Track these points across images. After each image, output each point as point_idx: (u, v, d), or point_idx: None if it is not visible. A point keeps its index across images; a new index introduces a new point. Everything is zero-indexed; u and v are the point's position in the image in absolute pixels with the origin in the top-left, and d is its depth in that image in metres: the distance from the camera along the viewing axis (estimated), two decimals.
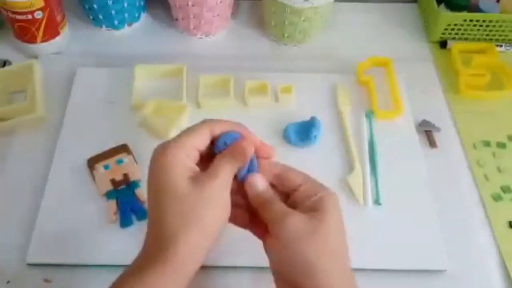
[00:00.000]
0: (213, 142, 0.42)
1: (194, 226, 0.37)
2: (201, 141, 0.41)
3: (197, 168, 0.41)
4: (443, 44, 0.77)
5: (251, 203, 0.42)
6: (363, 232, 0.55)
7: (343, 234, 0.41)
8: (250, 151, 0.42)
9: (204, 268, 0.51)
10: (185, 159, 0.40)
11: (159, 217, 0.38)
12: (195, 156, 0.41)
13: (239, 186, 0.43)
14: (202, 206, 0.38)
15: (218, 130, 0.42)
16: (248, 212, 0.43)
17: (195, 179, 0.39)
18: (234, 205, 0.41)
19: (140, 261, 0.38)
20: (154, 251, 0.38)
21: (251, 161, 0.42)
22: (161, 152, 0.40)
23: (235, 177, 0.42)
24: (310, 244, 0.38)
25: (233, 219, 0.42)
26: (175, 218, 0.37)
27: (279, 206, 0.40)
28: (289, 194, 0.43)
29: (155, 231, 0.39)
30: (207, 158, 0.42)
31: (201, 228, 0.38)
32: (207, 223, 0.38)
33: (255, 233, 0.44)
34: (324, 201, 0.40)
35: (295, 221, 0.38)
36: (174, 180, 0.38)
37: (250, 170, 0.42)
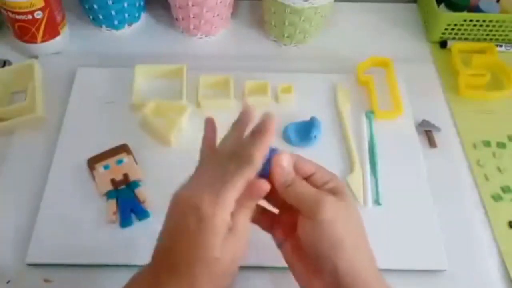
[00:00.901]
0: None
1: (218, 282, 0.38)
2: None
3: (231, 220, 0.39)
4: (443, 44, 0.77)
5: (275, 183, 0.41)
6: None
7: (361, 218, 0.43)
8: (265, 190, 0.40)
9: None
10: (229, 215, 0.38)
11: (185, 270, 0.37)
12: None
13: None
14: (231, 267, 0.39)
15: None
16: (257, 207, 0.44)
17: (226, 239, 0.38)
18: None
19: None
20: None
21: (269, 154, 0.42)
22: (206, 204, 0.37)
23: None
24: (344, 225, 0.40)
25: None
26: (204, 278, 0.37)
27: (309, 187, 0.41)
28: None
29: (176, 277, 0.37)
30: None
31: (224, 282, 0.39)
32: (230, 276, 0.39)
33: (262, 226, 0.45)
34: (340, 186, 0.42)
35: (331, 203, 0.40)
36: (214, 244, 0.37)
37: (266, 164, 0.42)
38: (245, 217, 0.40)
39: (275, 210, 0.46)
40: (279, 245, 0.45)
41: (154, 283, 0.38)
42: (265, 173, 0.41)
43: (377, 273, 0.41)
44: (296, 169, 0.43)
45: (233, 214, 0.38)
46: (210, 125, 0.45)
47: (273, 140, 0.41)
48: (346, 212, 0.41)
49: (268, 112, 0.42)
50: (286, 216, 0.45)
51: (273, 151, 0.42)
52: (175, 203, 0.39)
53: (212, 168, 0.40)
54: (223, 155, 0.41)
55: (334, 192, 0.41)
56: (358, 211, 0.43)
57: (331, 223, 0.39)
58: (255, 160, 0.39)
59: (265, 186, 0.39)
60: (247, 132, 0.43)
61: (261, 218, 0.45)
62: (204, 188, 0.38)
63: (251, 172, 0.39)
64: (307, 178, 0.43)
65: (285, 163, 0.41)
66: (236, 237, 0.38)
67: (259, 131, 0.41)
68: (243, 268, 0.51)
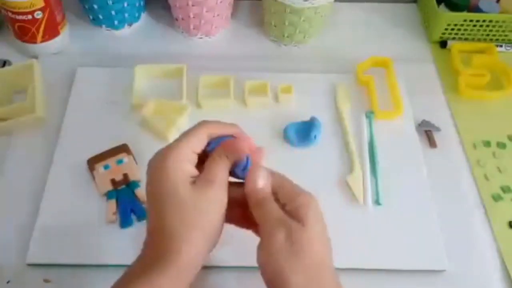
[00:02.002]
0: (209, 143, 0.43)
1: (195, 230, 0.38)
2: (199, 144, 0.42)
3: (196, 172, 0.41)
4: (443, 44, 0.77)
5: (247, 198, 0.42)
6: (363, 232, 0.55)
7: (325, 243, 0.40)
8: (243, 148, 0.42)
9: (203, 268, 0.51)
10: (185, 163, 0.40)
11: (160, 223, 0.39)
12: (194, 159, 0.42)
13: (231, 183, 0.43)
14: (202, 210, 0.39)
15: (214, 132, 0.43)
16: (241, 209, 0.43)
17: (194, 184, 0.39)
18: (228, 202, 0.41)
19: (142, 264, 0.39)
20: (157, 255, 0.38)
21: (247, 160, 0.42)
22: (161, 158, 0.40)
23: (230, 173, 0.42)
24: (288, 260, 0.38)
25: (228, 218, 0.42)
26: (177, 223, 0.38)
27: (273, 209, 0.40)
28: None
29: (156, 236, 0.39)
30: (203, 159, 0.42)
31: (203, 232, 0.39)
32: (208, 227, 0.39)
33: (248, 228, 0.45)
34: (303, 210, 0.39)
35: (279, 239, 0.38)
36: (175, 186, 0.39)
37: (245, 169, 0.43)
38: (221, 168, 0.41)
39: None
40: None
41: (143, 266, 0.38)
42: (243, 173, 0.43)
43: None
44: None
45: (208, 165, 0.41)
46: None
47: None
48: (297, 247, 0.38)
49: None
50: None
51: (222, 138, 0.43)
52: (147, 165, 0.41)
53: None
54: None
55: (295, 216, 0.39)
56: (324, 237, 0.40)
57: (276, 255, 0.38)
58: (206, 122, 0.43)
59: (242, 145, 0.42)
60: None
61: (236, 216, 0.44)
62: (166, 145, 0.41)
63: (211, 124, 0.43)
64: (275, 193, 0.42)
65: (260, 182, 0.41)
66: (208, 184, 0.39)
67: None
68: (242, 268, 0.52)
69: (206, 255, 0.40)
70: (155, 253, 0.38)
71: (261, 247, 0.40)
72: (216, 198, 0.40)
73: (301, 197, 0.40)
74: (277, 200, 0.41)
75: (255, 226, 0.42)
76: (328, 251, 0.40)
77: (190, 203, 0.38)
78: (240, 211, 0.43)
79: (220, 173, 0.41)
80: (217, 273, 0.52)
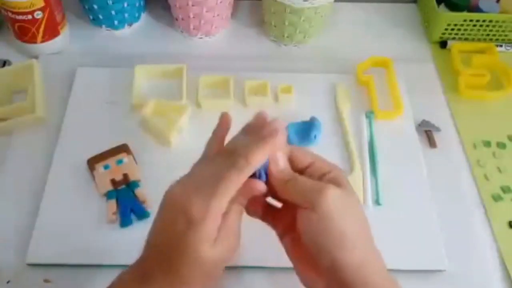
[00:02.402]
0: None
1: (208, 279, 0.38)
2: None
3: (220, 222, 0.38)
4: (443, 44, 0.77)
5: (273, 181, 0.41)
6: None
7: (362, 206, 0.42)
8: (260, 191, 0.40)
9: None
10: (220, 219, 0.38)
11: (174, 268, 0.37)
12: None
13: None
14: (217, 267, 0.38)
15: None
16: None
17: (216, 239, 0.37)
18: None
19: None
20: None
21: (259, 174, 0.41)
22: (196, 208, 0.36)
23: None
24: (348, 218, 0.38)
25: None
26: (191, 275, 0.37)
27: (308, 180, 0.40)
28: (299, 173, 0.42)
29: (161, 269, 0.38)
30: None
31: (213, 278, 0.39)
32: (219, 272, 0.39)
33: (267, 221, 0.44)
34: (341, 177, 0.41)
35: (334, 193, 0.38)
36: (202, 247, 0.36)
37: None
38: (236, 215, 0.39)
39: (278, 204, 0.44)
40: (280, 238, 0.44)
41: (142, 279, 0.38)
42: (265, 169, 0.40)
43: (380, 268, 0.40)
44: (291, 161, 0.42)
45: (225, 214, 0.38)
46: (224, 120, 0.44)
47: (276, 146, 0.39)
48: (348, 202, 0.39)
49: (276, 119, 0.41)
50: (286, 210, 0.43)
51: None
52: (165, 200, 0.38)
53: (206, 167, 0.40)
54: (220, 154, 0.40)
55: (334, 183, 0.40)
56: (360, 203, 0.42)
57: (333, 214, 0.38)
58: (252, 162, 0.38)
59: (259, 187, 0.39)
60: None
61: (263, 212, 0.44)
62: (195, 189, 0.37)
63: (245, 173, 0.38)
64: (304, 170, 0.42)
65: (281, 162, 0.40)
66: (226, 236, 0.38)
67: (263, 134, 0.39)
68: (243, 268, 0.52)
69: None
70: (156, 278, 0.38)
71: (310, 209, 0.38)
72: (234, 248, 0.39)
73: (337, 168, 0.42)
74: (307, 176, 0.41)
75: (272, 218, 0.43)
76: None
77: (208, 262, 0.37)
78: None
79: (231, 219, 0.39)
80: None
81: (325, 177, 0.41)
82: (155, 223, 0.39)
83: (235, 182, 0.37)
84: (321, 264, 0.39)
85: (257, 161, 0.38)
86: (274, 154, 0.40)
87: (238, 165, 0.37)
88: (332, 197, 0.38)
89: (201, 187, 0.37)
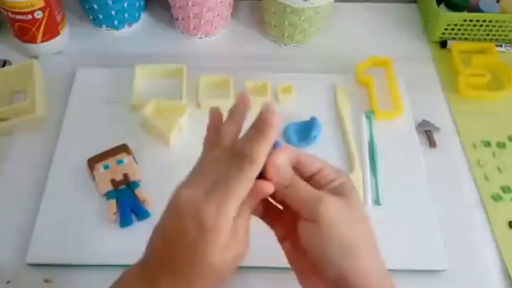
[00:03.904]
0: None
1: (215, 283, 0.37)
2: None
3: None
4: (443, 44, 0.77)
5: (275, 186, 0.40)
6: None
7: (368, 218, 0.41)
8: (267, 192, 0.39)
9: None
10: (230, 227, 0.36)
11: (181, 271, 0.37)
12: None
13: None
14: (227, 272, 0.38)
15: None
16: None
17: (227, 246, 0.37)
18: None
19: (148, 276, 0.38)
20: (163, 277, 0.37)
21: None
22: (208, 214, 0.35)
23: None
24: (350, 226, 0.38)
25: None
26: (199, 280, 0.36)
27: (309, 187, 0.39)
28: (306, 179, 0.41)
29: (168, 273, 0.37)
30: None
31: (220, 283, 0.38)
32: (226, 277, 0.38)
33: (265, 220, 0.44)
34: (347, 186, 0.40)
35: (333, 203, 0.38)
36: (213, 254, 0.36)
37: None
38: (245, 219, 0.38)
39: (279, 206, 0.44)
40: (280, 242, 0.44)
41: (149, 282, 0.37)
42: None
43: (385, 280, 0.39)
44: (299, 167, 0.41)
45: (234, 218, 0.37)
46: (215, 115, 0.44)
47: (274, 134, 0.38)
48: (349, 212, 0.39)
49: (267, 103, 0.39)
50: (287, 214, 0.42)
51: (275, 146, 0.39)
52: (174, 203, 0.37)
53: (213, 169, 0.38)
54: (225, 152, 0.39)
55: (338, 192, 0.39)
56: (365, 212, 0.41)
57: (332, 224, 0.37)
58: (256, 160, 0.37)
59: (267, 187, 0.38)
60: (247, 123, 0.41)
61: (264, 211, 0.43)
62: (204, 194, 0.36)
63: (252, 174, 0.37)
64: (311, 176, 0.41)
65: (280, 161, 0.39)
66: (236, 240, 0.37)
67: (260, 126, 0.38)
68: (243, 268, 0.52)
69: None
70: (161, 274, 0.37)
71: (310, 219, 0.38)
72: (243, 252, 0.38)
73: (344, 176, 0.41)
74: (314, 183, 0.40)
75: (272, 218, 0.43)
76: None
77: (219, 266, 0.36)
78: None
79: (240, 223, 0.38)
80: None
81: (330, 185, 0.40)
82: (162, 229, 0.38)
83: (245, 185, 0.37)
84: (328, 275, 0.38)
85: (261, 158, 0.37)
86: (273, 155, 0.39)
87: (244, 167, 0.37)
88: (330, 207, 0.38)
89: (211, 192, 0.36)
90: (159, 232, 0.38)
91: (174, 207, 0.37)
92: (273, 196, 0.41)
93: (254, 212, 0.42)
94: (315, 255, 0.39)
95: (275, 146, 0.39)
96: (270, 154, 0.38)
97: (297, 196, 0.39)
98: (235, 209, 0.36)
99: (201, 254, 0.36)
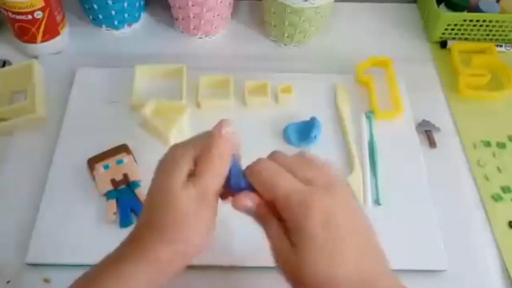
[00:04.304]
0: None
1: (186, 230, 0.37)
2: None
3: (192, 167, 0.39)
4: (443, 44, 0.77)
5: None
6: None
7: (359, 208, 0.38)
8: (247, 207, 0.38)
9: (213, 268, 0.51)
10: (188, 157, 0.39)
11: (152, 215, 0.38)
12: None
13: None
14: (195, 218, 0.37)
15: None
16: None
17: (188, 184, 0.38)
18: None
19: (124, 252, 0.39)
20: (140, 245, 0.38)
21: (233, 165, 0.39)
22: (175, 150, 0.40)
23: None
24: (336, 225, 0.35)
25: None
26: (167, 220, 0.37)
27: (274, 223, 0.37)
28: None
29: (144, 229, 0.39)
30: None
31: (190, 237, 0.38)
32: (192, 229, 0.38)
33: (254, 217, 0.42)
34: (329, 180, 0.37)
35: (320, 214, 0.35)
36: (172, 183, 0.38)
37: (234, 173, 0.39)
38: (215, 185, 0.38)
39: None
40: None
41: (131, 239, 0.39)
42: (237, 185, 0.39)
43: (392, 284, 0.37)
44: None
45: (206, 181, 0.38)
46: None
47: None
48: (337, 211, 0.35)
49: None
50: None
51: (233, 163, 0.39)
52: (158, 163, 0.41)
53: None
54: None
55: (323, 189, 0.36)
56: (357, 205, 0.38)
57: (318, 233, 0.34)
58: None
59: (246, 203, 0.38)
60: None
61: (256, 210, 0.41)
62: (180, 143, 0.40)
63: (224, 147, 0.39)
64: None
65: (238, 207, 0.38)
66: (199, 182, 0.37)
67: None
68: (242, 268, 0.52)
69: (190, 258, 0.39)
70: (138, 244, 0.38)
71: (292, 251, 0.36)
72: (207, 209, 0.38)
73: (323, 172, 0.38)
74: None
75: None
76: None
77: (183, 204, 0.37)
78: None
79: (211, 187, 0.38)
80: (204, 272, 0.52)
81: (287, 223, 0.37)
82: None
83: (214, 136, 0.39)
84: (311, 283, 0.35)
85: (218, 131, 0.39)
86: (238, 202, 0.38)
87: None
88: (318, 218, 0.35)
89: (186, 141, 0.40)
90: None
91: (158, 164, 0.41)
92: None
93: (247, 211, 0.41)
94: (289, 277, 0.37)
95: (233, 163, 0.39)
96: (234, 199, 0.39)
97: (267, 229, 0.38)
98: (193, 144, 0.39)
99: (166, 184, 0.38)
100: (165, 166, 0.40)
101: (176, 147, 0.40)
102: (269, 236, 0.38)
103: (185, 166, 0.38)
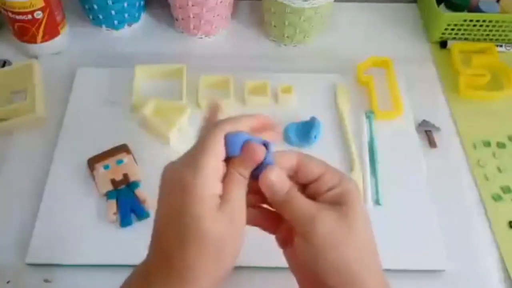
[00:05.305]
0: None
1: (215, 262, 0.35)
2: (223, 150, 0.37)
3: (221, 190, 0.36)
4: (443, 44, 0.77)
5: (269, 200, 0.39)
6: None
7: (370, 227, 0.38)
8: (257, 153, 0.37)
9: None
10: (215, 183, 0.36)
11: (176, 250, 0.35)
12: (222, 172, 0.37)
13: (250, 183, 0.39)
14: (224, 247, 0.35)
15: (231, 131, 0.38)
16: (258, 208, 0.41)
17: (219, 210, 0.35)
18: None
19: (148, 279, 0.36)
20: (167, 279, 0.35)
21: (263, 161, 0.38)
22: (187, 174, 0.35)
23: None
24: (349, 248, 0.35)
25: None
26: (197, 255, 0.34)
27: (303, 203, 0.37)
28: (306, 184, 0.39)
29: (167, 260, 0.35)
30: None
31: (222, 263, 0.36)
32: (228, 256, 0.36)
33: (265, 229, 0.42)
34: (349, 194, 0.37)
35: (329, 223, 0.35)
36: (201, 214, 0.34)
37: (264, 164, 0.38)
38: (238, 186, 0.37)
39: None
40: (282, 249, 0.42)
41: (144, 278, 0.36)
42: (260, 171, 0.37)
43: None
44: (300, 171, 0.39)
45: (225, 184, 0.36)
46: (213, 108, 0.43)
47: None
48: (353, 231, 0.36)
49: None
50: (286, 223, 0.40)
51: (266, 145, 0.38)
52: (161, 180, 0.37)
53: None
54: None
55: (338, 200, 0.37)
56: (369, 222, 0.38)
57: (330, 250, 0.35)
58: (220, 122, 0.37)
59: (259, 150, 0.36)
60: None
61: (264, 218, 0.42)
62: (184, 159, 0.37)
63: (218, 131, 0.37)
64: (312, 182, 0.38)
65: (273, 177, 0.37)
66: (229, 208, 0.35)
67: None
68: (243, 268, 0.52)
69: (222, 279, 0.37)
70: (162, 276, 0.35)
71: (305, 240, 0.36)
72: (237, 226, 0.36)
73: (346, 180, 0.38)
74: (314, 189, 0.38)
75: (271, 225, 0.41)
76: (372, 233, 0.39)
77: (213, 234, 0.34)
78: (256, 211, 0.41)
79: (238, 194, 0.37)
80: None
81: (330, 192, 0.37)
82: (157, 208, 0.37)
83: (216, 136, 0.36)
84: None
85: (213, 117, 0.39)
86: (266, 173, 0.37)
87: (211, 126, 0.37)
88: (325, 227, 0.35)
89: (189, 155, 0.37)
90: (155, 219, 0.37)
91: (161, 182, 0.37)
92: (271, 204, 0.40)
93: (254, 221, 0.41)
94: (310, 276, 0.37)
95: (266, 146, 0.38)
96: (261, 174, 0.37)
97: (290, 213, 0.37)
98: (211, 163, 0.35)
99: (189, 216, 0.34)
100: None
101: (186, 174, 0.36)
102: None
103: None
